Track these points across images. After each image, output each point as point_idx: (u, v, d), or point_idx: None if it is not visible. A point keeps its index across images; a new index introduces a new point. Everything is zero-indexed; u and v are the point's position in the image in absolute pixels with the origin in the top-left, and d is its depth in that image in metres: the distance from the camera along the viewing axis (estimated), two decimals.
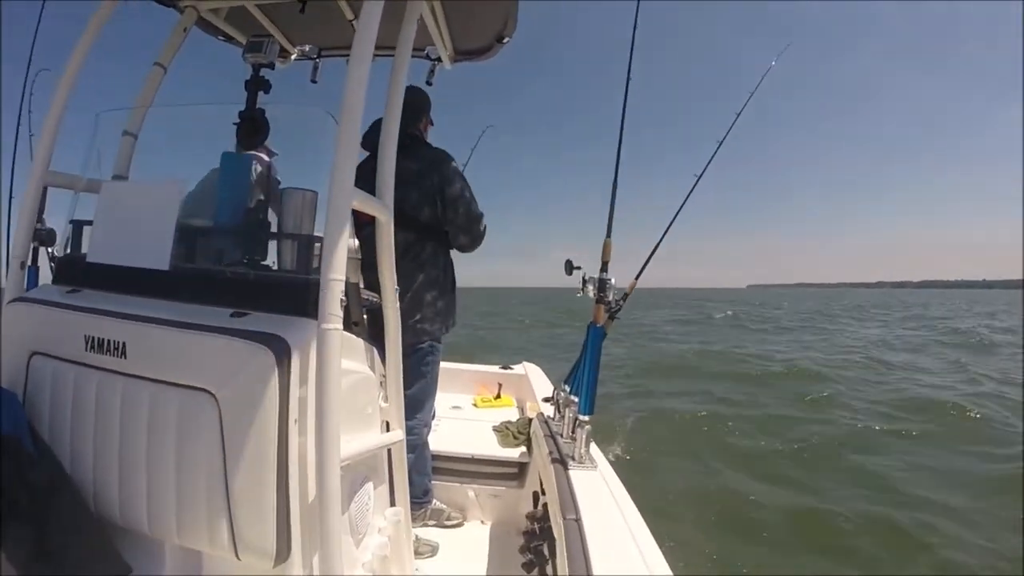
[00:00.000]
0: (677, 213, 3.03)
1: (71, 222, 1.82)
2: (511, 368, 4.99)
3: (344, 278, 1.33)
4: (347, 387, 1.50)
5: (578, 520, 1.92)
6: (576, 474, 2.31)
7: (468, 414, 4.22)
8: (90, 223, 1.75)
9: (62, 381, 1.52)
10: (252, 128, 1.76)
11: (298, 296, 1.43)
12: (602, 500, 2.11)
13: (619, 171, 2.67)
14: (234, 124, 1.77)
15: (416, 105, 2.82)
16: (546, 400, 3.61)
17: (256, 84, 1.79)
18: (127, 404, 1.43)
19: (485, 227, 2.76)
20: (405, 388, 2.15)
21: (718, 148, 3.17)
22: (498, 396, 4.57)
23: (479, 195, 2.71)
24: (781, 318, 39.33)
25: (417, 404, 2.71)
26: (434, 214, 2.62)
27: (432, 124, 2.97)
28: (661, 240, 2.96)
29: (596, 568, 1.65)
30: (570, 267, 2.59)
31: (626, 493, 2.19)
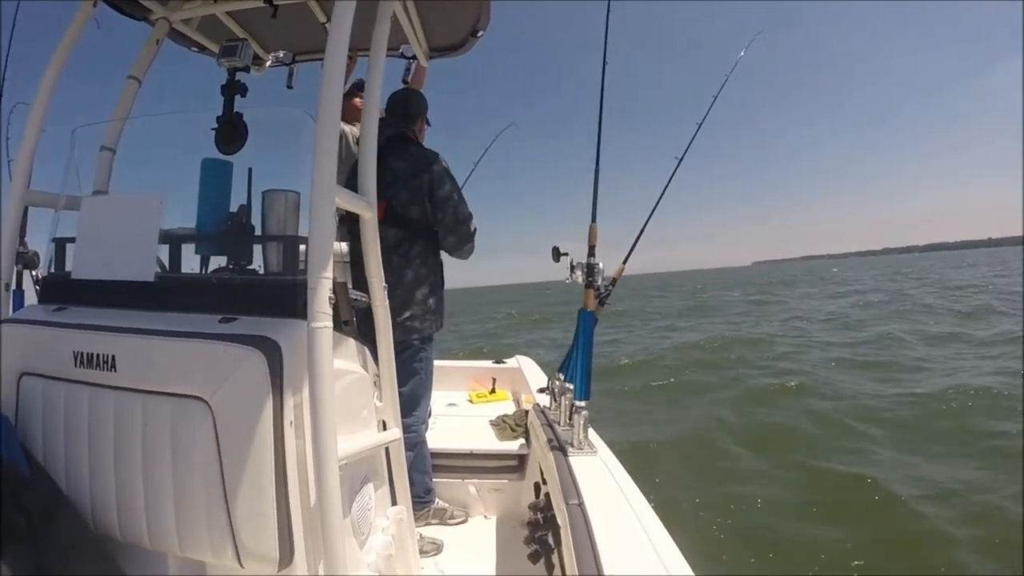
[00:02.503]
0: (660, 197, 3.05)
1: (53, 240, 1.81)
2: (504, 362, 5.01)
3: (331, 277, 1.34)
4: (341, 388, 1.49)
5: (581, 505, 1.92)
6: (576, 460, 2.31)
7: (464, 410, 4.23)
8: (73, 240, 1.74)
9: (53, 399, 1.51)
10: (231, 133, 1.75)
11: (286, 297, 1.42)
12: (604, 484, 2.11)
13: (600, 154, 2.68)
14: (212, 130, 1.76)
15: (411, 108, 2.87)
16: (541, 391, 3.62)
17: (232, 88, 1.78)
18: (120, 417, 1.42)
19: (475, 229, 2.76)
20: (399, 386, 2.15)
21: (697, 130, 3.19)
22: (493, 391, 4.60)
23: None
24: None
25: (413, 402, 2.72)
26: (423, 213, 2.64)
27: (429, 125, 2.98)
28: (646, 224, 2.98)
29: (602, 551, 1.65)
30: (557, 254, 2.60)
31: (628, 476, 2.19)
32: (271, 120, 1.89)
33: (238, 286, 1.56)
